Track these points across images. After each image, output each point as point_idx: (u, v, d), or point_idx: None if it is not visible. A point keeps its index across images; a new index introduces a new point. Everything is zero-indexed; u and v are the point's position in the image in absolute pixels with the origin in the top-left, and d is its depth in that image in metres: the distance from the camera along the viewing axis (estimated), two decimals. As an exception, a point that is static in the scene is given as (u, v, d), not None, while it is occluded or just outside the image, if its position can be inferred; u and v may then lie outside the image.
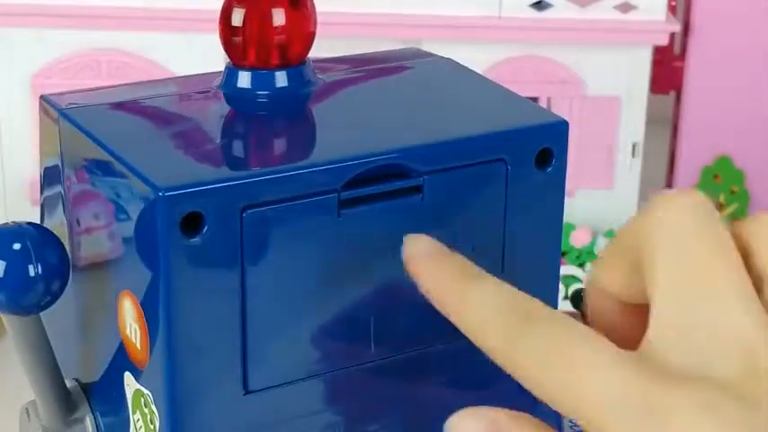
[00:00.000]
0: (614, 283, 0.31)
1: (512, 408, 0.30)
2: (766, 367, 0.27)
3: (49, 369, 0.38)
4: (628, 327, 0.31)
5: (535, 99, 0.79)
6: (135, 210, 0.34)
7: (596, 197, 0.83)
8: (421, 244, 0.33)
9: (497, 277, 0.32)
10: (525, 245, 0.38)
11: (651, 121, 0.84)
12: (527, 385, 0.29)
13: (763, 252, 0.29)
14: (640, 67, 0.81)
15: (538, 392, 0.28)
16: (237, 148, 0.37)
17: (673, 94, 0.87)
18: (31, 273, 0.35)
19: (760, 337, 0.27)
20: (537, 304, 0.30)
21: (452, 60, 0.43)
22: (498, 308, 0.30)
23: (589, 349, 0.28)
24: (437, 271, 0.32)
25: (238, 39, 0.38)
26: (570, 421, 0.32)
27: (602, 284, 0.32)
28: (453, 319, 0.31)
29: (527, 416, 0.29)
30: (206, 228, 0.33)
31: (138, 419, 0.36)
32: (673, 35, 0.81)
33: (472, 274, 0.31)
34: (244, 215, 0.33)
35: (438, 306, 0.31)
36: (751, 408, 0.26)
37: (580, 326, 0.29)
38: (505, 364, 0.29)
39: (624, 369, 0.27)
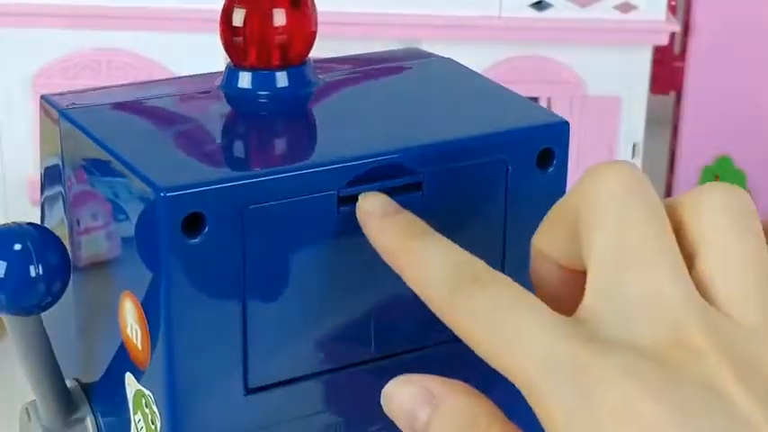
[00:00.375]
0: (554, 248, 0.32)
1: (512, 408, 0.30)
2: (690, 339, 0.28)
3: (50, 369, 0.38)
4: (568, 292, 0.32)
5: (535, 99, 0.79)
6: (135, 210, 0.34)
7: (596, 197, 0.83)
8: (374, 201, 0.34)
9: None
10: (526, 245, 0.37)
11: (651, 121, 0.84)
12: (468, 343, 0.29)
13: (694, 225, 0.30)
14: (640, 67, 0.81)
15: (477, 351, 0.29)
16: (238, 148, 0.37)
17: (673, 94, 0.87)
18: (32, 273, 0.35)
19: (688, 309, 0.28)
20: (481, 265, 0.30)
21: (452, 60, 0.43)
22: (443, 266, 0.31)
23: (525, 311, 0.29)
24: (387, 229, 0.33)
25: (239, 39, 0.38)
26: None
27: (543, 250, 0.32)
28: (403, 276, 0.32)
29: (460, 383, 0.30)
30: (207, 228, 0.33)
31: (140, 420, 0.36)
32: (673, 35, 0.81)
33: (421, 231, 0.32)
34: (245, 215, 0.33)
35: (389, 263, 0.32)
36: (674, 375, 0.27)
37: (520, 289, 0.29)
38: (448, 321, 0.30)
39: (557, 333, 0.28)
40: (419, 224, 0.33)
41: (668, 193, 0.88)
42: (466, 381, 0.31)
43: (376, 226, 0.33)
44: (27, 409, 0.40)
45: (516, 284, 0.30)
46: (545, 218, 0.32)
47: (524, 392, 0.28)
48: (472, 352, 0.31)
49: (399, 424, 0.30)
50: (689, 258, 0.29)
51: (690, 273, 0.29)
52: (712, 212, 0.30)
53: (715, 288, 0.29)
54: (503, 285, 0.30)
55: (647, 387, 0.27)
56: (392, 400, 0.30)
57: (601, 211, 0.29)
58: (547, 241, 0.32)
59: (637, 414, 0.27)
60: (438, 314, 0.30)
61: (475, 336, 0.29)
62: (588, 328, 0.28)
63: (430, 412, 0.30)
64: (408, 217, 0.33)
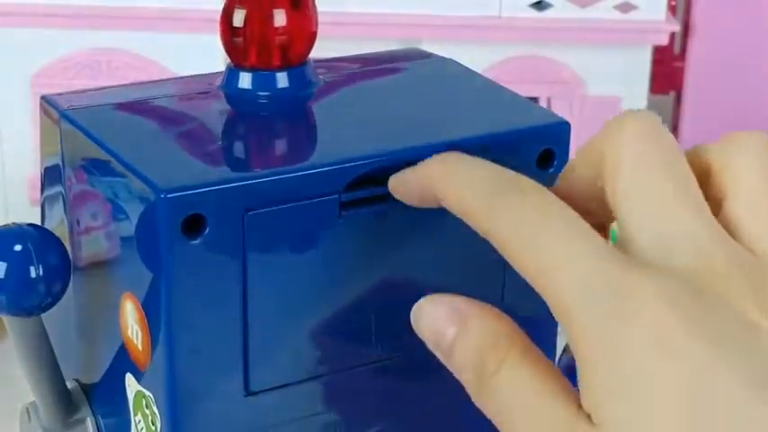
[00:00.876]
0: (581, 180, 0.32)
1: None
2: (723, 272, 0.28)
3: (50, 370, 0.38)
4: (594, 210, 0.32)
5: (535, 99, 0.79)
6: (136, 211, 0.34)
7: (596, 197, 0.83)
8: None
9: (498, 278, 0.32)
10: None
11: (651, 121, 0.84)
12: (504, 255, 0.30)
13: (722, 169, 0.31)
14: (640, 67, 0.81)
15: (513, 264, 0.30)
16: (239, 149, 0.37)
17: (673, 94, 0.87)
18: (33, 274, 0.35)
19: (714, 243, 0.29)
20: (524, 178, 0.31)
21: (452, 60, 0.43)
22: (482, 178, 0.31)
23: (568, 229, 0.29)
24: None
25: (239, 39, 0.38)
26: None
27: (570, 180, 0.33)
28: (445, 199, 0.32)
29: (487, 305, 0.31)
30: (207, 229, 0.33)
31: (140, 421, 0.36)
32: (673, 35, 0.81)
33: (458, 155, 0.33)
34: (245, 217, 0.33)
35: (431, 188, 0.32)
36: (707, 304, 0.28)
37: (563, 205, 0.30)
38: (487, 232, 0.30)
39: (597, 254, 0.28)
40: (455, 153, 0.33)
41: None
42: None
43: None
44: (27, 409, 0.40)
45: (560, 201, 0.30)
46: (568, 164, 0.33)
47: (556, 311, 0.28)
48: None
49: (427, 341, 0.31)
50: (717, 201, 0.30)
51: (718, 214, 0.30)
52: (738, 157, 0.30)
53: (742, 227, 0.30)
54: (546, 199, 0.30)
55: (681, 314, 0.27)
56: (421, 317, 0.31)
57: (626, 158, 0.30)
58: (568, 185, 0.33)
59: (669, 341, 0.27)
60: (477, 228, 0.30)
61: (513, 249, 0.29)
62: (626, 255, 0.29)
63: (456, 331, 0.30)
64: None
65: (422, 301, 0.31)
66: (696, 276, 0.28)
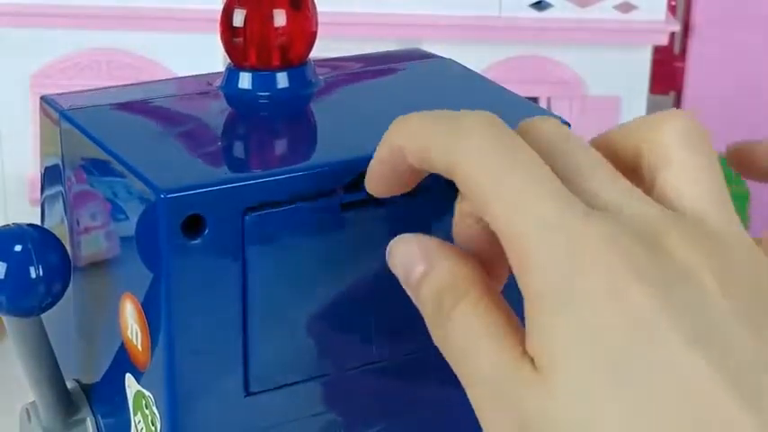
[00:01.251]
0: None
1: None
2: (665, 238, 0.29)
3: (50, 370, 0.38)
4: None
5: (535, 99, 0.79)
6: (136, 211, 0.34)
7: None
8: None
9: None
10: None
11: (651, 120, 0.84)
12: (467, 194, 0.30)
13: (656, 146, 0.32)
14: (640, 67, 0.81)
15: (476, 206, 0.31)
16: (239, 149, 0.37)
17: (673, 94, 0.87)
18: (32, 274, 0.35)
19: (658, 215, 0.30)
20: (480, 114, 0.31)
21: (452, 60, 0.43)
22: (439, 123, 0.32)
23: (531, 174, 0.30)
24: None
25: (239, 40, 0.38)
26: None
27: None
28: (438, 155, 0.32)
29: (455, 248, 0.32)
30: (207, 229, 0.33)
31: (140, 421, 0.36)
32: (673, 35, 0.81)
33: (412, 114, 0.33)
34: (245, 217, 0.33)
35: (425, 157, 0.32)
36: (658, 258, 0.29)
37: (521, 144, 0.30)
38: (450, 169, 0.31)
39: (558, 199, 0.29)
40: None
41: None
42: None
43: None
44: (27, 409, 0.40)
45: (517, 137, 0.31)
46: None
47: (511, 253, 0.29)
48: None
49: (398, 276, 0.33)
50: (652, 174, 0.32)
51: (654, 187, 0.31)
52: (669, 132, 0.32)
53: (680, 194, 0.31)
54: (505, 139, 0.30)
55: (632, 263, 0.28)
56: (394, 254, 0.33)
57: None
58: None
59: (619, 289, 0.28)
60: (440, 165, 0.31)
61: (474, 191, 0.30)
62: (582, 201, 0.30)
63: (423, 269, 0.32)
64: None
65: (397, 238, 0.33)
66: (648, 238, 0.29)
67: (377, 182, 0.34)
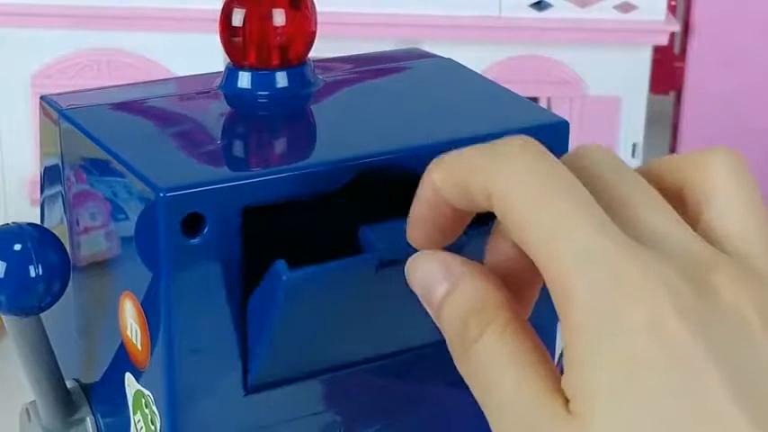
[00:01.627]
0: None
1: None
2: (709, 277, 0.28)
3: (50, 370, 0.38)
4: None
5: (535, 99, 0.79)
6: (135, 210, 0.34)
7: (596, 197, 0.83)
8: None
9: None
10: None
11: (651, 121, 0.84)
12: (505, 224, 0.29)
13: (700, 181, 0.32)
14: (640, 67, 0.81)
15: (512, 232, 0.29)
16: (238, 148, 0.37)
17: (673, 94, 0.87)
18: (32, 274, 0.35)
19: (701, 249, 0.29)
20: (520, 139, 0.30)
21: (452, 60, 0.43)
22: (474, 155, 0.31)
23: (569, 200, 0.29)
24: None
25: (239, 39, 0.38)
26: None
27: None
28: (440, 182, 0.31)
29: (480, 265, 0.31)
30: (207, 228, 0.33)
31: (139, 420, 0.36)
32: (673, 35, 0.81)
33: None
34: (244, 216, 0.33)
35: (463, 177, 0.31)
36: (704, 296, 0.28)
37: (563, 170, 0.29)
38: (488, 205, 0.30)
39: (601, 228, 0.28)
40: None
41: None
42: (464, 384, 0.31)
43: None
44: (27, 409, 0.40)
45: (574, 179, 0.30)
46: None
47: (554, 288, 0.28)
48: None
49: (418, 295, 0.31)
50: (698, 210, 0.31)
51: (699, 222, 0.31)
52: (716, 169, 0.31)
53: (726, 232, 0.30)
54: (560, 175, 0.29)
55: (678, 300, 0.27)
56: (414, 271, 0.32)
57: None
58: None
59: (664, 328, 0.27)
60: (478, 195, 0.30)
61: (515, 215, 0.29)
62: (626, 233, 0.29)
63: (446, 289, 0.31)
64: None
65: (417, 254, 0.32)
66: (690, 264, 0.28)
67: (418, 229, 0.32)
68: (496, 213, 0.30)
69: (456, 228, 0.32)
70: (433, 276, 0.31)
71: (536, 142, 0.30)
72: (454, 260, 0.31)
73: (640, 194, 0.30)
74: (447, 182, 0.31)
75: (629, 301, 0.27)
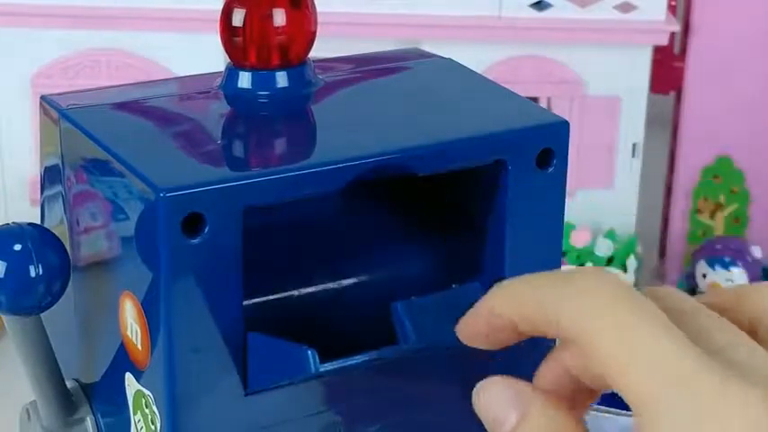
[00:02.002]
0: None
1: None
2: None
3: (50, 369, 0.38)
4: None
5: (535, 99, 0.79)
6: (135, 210, 0.34)
7: (596, 197, 0.83)
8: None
9: (498, 279, 0.32)
10: (526, 245, 0.38)
11: (651, 121, 0.84)
12: (586, 351, 0.29)
13: (754, 304, 0.32)
14: (640, 67, 0.81)
15: (593, 362, 0.29)
16: (238, 148, 0.37)
17: (673, 94, 0.87)
18: (32, 273, 0.35)
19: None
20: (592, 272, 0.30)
21: (452, 60, 0.43)
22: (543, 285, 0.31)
23: (655, 326, 0.28)
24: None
25: (239, 39, 0.38)
26: None
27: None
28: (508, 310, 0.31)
29: (549, 393, 0.30)
30: (207, 228, 0.33)
31: (139, 420, 0.36)
32: (673, 35, 0.81)
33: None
34: (245, 215, 0.33)
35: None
36: None
37: (651, 304, 0.29)
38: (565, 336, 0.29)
39: (685, 352, 0.28)
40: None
41: (667, 193, 0.88)
42: (466, 381, 0.31)
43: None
44: (27, 409, 0.40)
45: (657, 307, 0.29)
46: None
47: (639, 411, 0.28)
48: (472, 354, 0.31)
49: (484, 421, 0.31)
50: (752, 332, 0.31)
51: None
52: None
53: None
54: (647, 305, 0.29)
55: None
56: (482, 397, 0.31)
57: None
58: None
59: None
60: (548, 327, 0.30)
61: (598, 354, 0.29)
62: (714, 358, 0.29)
63: (517, 417, 0.30)
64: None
65: (485, 381, 0.31)
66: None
67: (470, 339, 0.32)
68: (567, 340, 0.30)
69: (511, 340, 0.32)
70: (502, 404, 0.30)
71: (611, 274, 0.30)
72: (523, 386, 0.31)
73: (715, 324, 0.30)
74: (508, 310, 0.31)
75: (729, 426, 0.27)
